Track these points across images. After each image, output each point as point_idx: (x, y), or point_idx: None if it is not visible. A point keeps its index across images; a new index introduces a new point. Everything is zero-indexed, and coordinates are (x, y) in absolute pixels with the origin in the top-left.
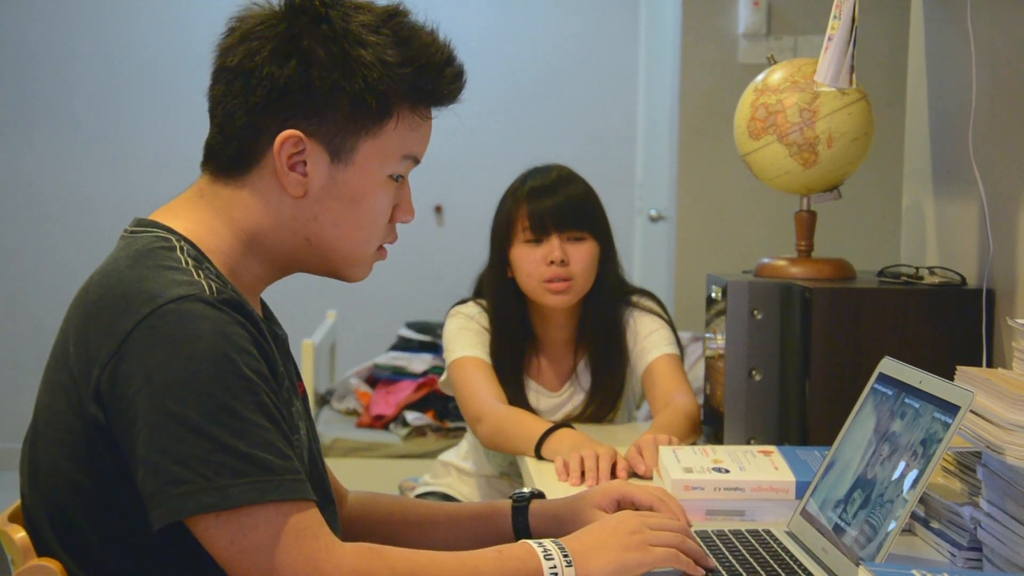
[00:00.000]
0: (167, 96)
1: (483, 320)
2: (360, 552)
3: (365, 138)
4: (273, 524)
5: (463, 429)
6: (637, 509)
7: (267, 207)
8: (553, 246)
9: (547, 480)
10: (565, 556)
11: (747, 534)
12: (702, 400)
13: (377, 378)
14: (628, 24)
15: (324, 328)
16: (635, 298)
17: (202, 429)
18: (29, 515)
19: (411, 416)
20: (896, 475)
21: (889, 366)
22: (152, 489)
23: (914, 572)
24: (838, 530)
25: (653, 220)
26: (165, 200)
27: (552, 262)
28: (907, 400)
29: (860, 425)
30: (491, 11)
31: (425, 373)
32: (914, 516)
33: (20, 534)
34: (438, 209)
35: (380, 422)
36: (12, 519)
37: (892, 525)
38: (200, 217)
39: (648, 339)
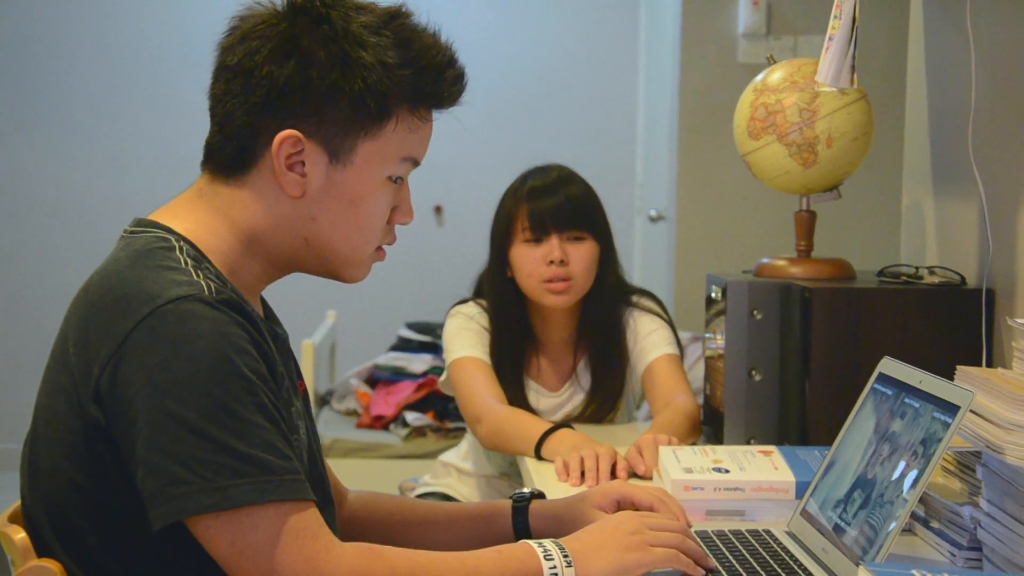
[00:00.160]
0: (167, 96)
1: (483, 320)
2: (360, 552)
3: (364, 139)
4: (273, 524)
5: (463, 429)
6: (637, 510)
7: (266, 207)
8: (553, 246)
9: (547, 480)
10: (565, 556)
11: (747, 534)
12: (702, 400)
13: (377, 378)
14: (628, 24)
15: (324, 328)
16: (635, 298)
17: (202, 429)
18: (29, 516)
19: (411, 416)
20: (896, 475)
21: (889, 366)
22: (152, 489)
23: (914, 572)
24: (838, 530)
25: (653, 220)
26: (165, 200)
27: (552, 262)
28: (907, 400)
29: (860, 425)
30: (491, 11)
31: (425, 373)
32: (914, 516)
33: (20, 535)
34: (438, 209)
35: (380, 422)
36: (12, 520)
37: (892, 525)
38: (200, 217)
39: (648, 339)
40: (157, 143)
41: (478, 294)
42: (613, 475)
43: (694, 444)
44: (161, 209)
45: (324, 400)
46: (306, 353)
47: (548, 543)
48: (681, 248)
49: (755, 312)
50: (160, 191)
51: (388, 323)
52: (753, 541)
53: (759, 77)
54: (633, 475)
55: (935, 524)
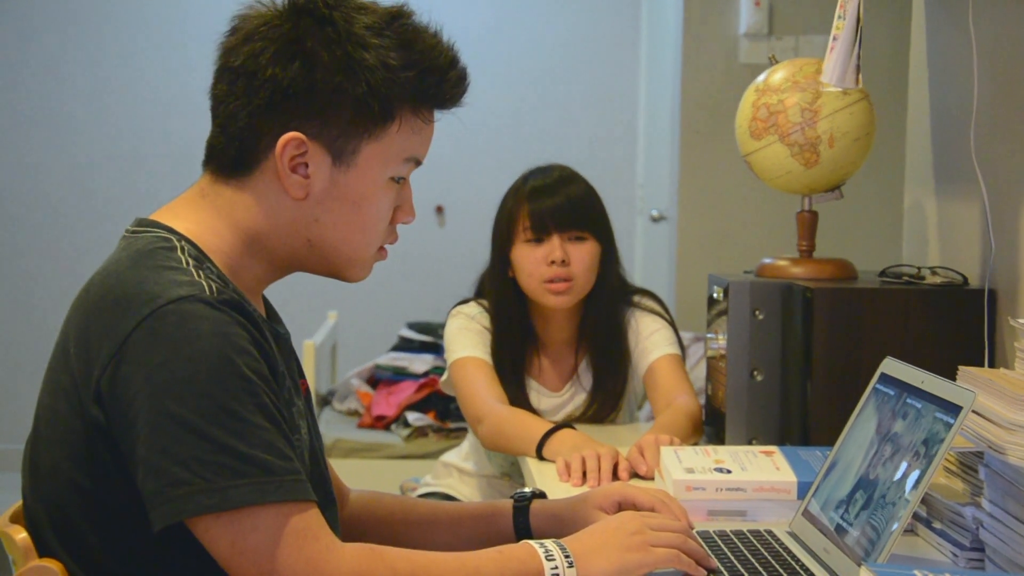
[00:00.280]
0: (168, 96)
1: (484, 320)
2: (360, 553)
3: (367, 141)
4: (273, 525)
5: (464, 430)
6: (638, 511)
7: (268, 208)
8: (554, 246)
9: (548, 481)
10: (566, 556)
11: (749, 534)
12: (704, 400)
13: (378, 379)
14: (629, 24)
15: (325, 329)
16: (636, 298)
17: (202, 430)
18: (30, 516)
19: (412, 417)
20: (898, 475)
21: (891, 366)
22: (152, 490)
23: (916, 572)
24: (840, 530)
25: (654, 220)
26: (166, 200)
27: (553, 262)
28: (909, 400)
29: (862, 425)
30: (492, 11)
31: (426, 373)
32: (916, 516)
33: (21, 535)
34: (439, 209)
35: (381, 423)
36: (13, 520)
37: (894, 526)
38: (201, 217)
39: (650, 339)
40: (158, 143)
41: (479, 294)
42: (615, 476)
43: (696, 444)
44: (162, 209)
45: (325, 400)
46: (307, 353)
47: (549, 543)
48: (683, 248)
49: (757, 312)
50: (161, 191)
51: (389, 323)
52: (755, 541)
53: (761, 77)
54: (635, 475)
55: (937, 525)
